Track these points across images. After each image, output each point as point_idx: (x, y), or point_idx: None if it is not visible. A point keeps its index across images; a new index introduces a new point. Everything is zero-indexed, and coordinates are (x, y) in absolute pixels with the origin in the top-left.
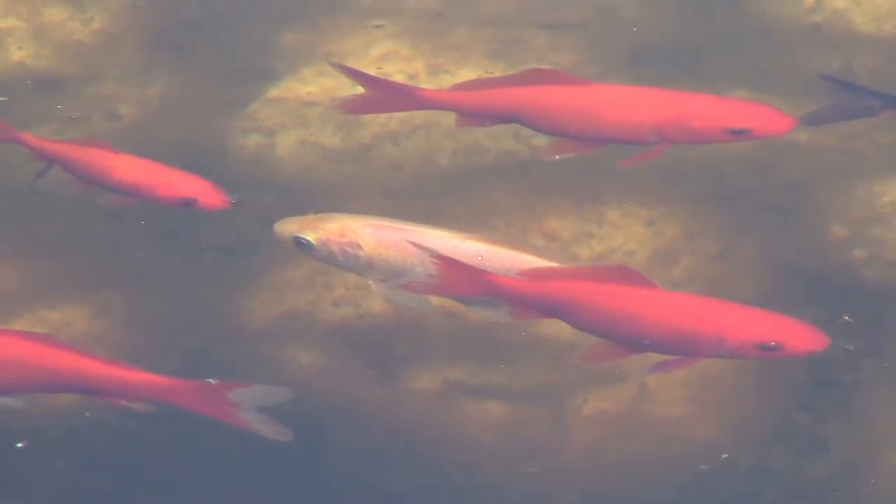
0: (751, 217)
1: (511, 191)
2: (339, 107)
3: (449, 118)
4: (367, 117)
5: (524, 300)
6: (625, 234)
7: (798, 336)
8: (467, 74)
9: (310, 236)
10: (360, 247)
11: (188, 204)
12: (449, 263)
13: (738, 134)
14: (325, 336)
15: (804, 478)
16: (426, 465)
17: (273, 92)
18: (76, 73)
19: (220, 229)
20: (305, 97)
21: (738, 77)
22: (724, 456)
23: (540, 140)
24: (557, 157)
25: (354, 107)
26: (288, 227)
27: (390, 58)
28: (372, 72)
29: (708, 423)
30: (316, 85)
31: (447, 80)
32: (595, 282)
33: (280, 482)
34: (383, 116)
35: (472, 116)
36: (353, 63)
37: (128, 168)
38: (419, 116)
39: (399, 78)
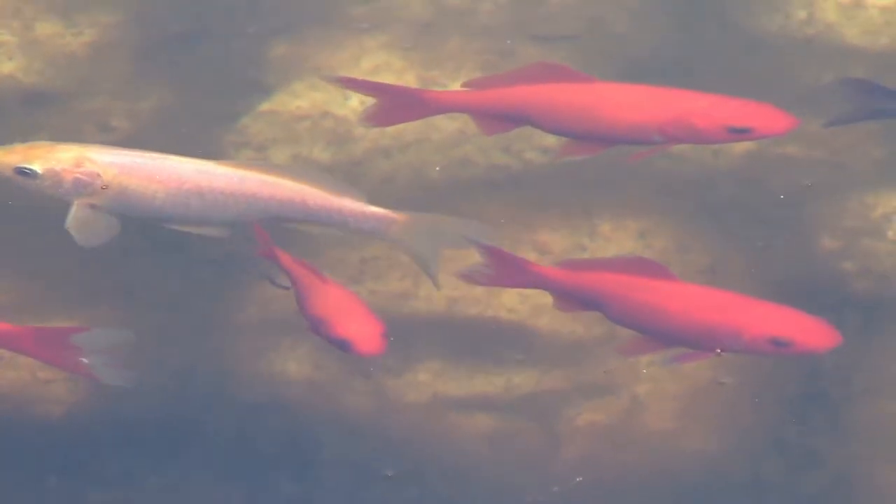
0: (742, 230)
1: (502, 204)
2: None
3: (440, 134)
4: (358, 132)
5: (564, 291)
6: (616, 246)
7: (809, 333)
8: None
9: (35, 165)
10: (98, 176)
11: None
12: (497, 255)
13: (740, 133)
14: (314, 349)
15: (796, 492)
16: (416, 477)
17: (264, 106)
18: (67, 87)
19: (208, 244)
20: (296, 111)
21: (729, 90)
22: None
23: (531, 154)
24: (571, 158)
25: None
26: (8, 158)
27: (382, 69)
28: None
29: (700, 436)
30: (307, 99)
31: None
32: (627, 274)
33: (269, 494)
34: (374, 132)
35: (485, 118)
36: (348, 74)
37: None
38: (410, 132)
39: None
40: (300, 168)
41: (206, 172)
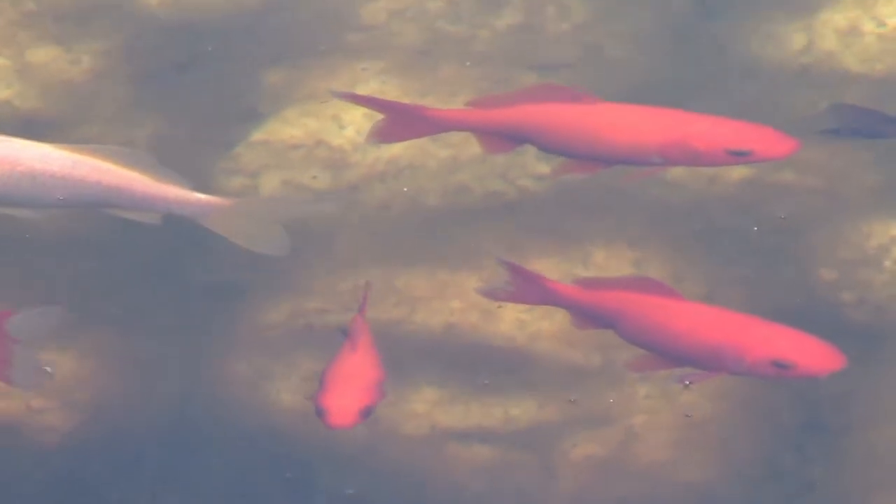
0: (738, 259)
1: (498, 231)
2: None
3: (435, 160)
4: (354, 158)
5: (579, 308)
6: (611, 274)
7: (812, 356)
8: None
9: None
10: None
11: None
12: (518, 272)
13: (740, 155)
14: (307, 379)
15: None
16: None
17: (257, 134)
18: (63, 114)
19: (205, 272)
20: (289, 139)
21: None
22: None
23: (527, 181)
24: (568, 177)
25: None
26: None
27: (378, 96)
28: (360, 113)
29: (696, 466)
30: (300, 127)
31: None
32: (639, 293)
33: None
34: (370, 157)
35: (488, 136)
36: (339, 103)
37: None
38: (405, 157)
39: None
40: (130, 153)
41: (42, 156)
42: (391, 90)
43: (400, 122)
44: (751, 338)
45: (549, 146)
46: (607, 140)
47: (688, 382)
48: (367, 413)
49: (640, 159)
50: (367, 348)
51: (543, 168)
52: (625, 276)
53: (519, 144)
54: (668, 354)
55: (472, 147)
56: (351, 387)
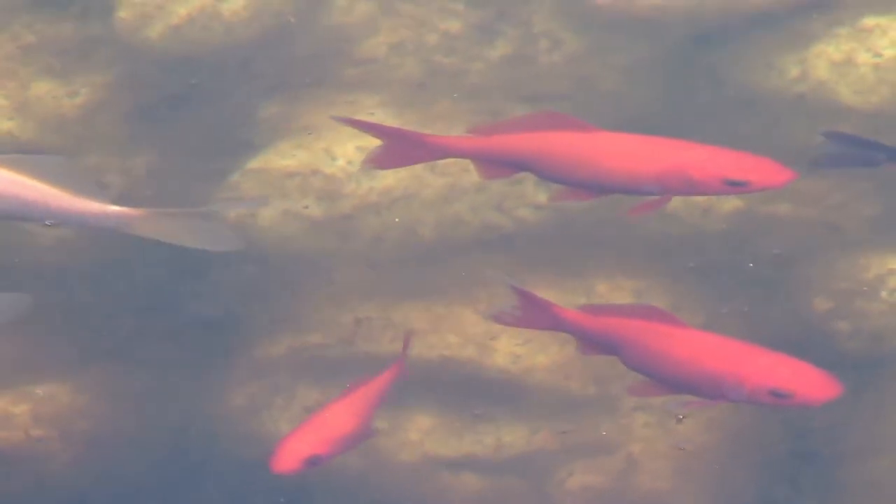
0: (734, 290)
1: (495, 263)
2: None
3: (430, 189)
4: (348, 188)
5: (584, 335)
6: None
7: (809, 385)
8: None
9: None
10: None
11: None
12: (526, 297)
13: (737, 185)
14: (304, 409)
15: None
16: None
17: (254, 164)
18: (62, 145)
19: (202, 304)
20: (285, 169)
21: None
22: None
23: (524, 212)
24: (565, 205)
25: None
26: None
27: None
28: (352, 146)
29: (692, 496)
30: (295, 158)
31: None
32: (642, 320)
33: None
34: (364, 188)
35: (485, 163)
36: (334, 135)
37: None
38: (399, 188)
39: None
40: (50, 161)
41: None
42: (388, 122)
43: (398, 148)
44: (749, 366)
45: (546, 173)
46: (604, 168)
47: (681, 417)
48: (313, 462)
49: (637, 188)
50: (365, 397)
51: (541, 198)
52: (630, 304)
53: (517, 171)
54: (669, 382)
55: (468, 176)
56: (311, 434)
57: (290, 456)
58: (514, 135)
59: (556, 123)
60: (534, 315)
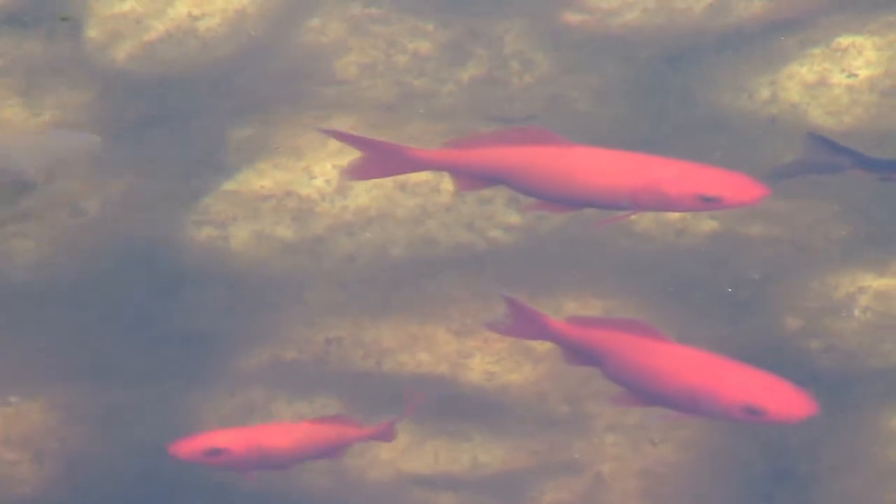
0: (705, 309)
1: (466, 282)
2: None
3: (401, 210)
4: (321, 208)
5: (570, 345)
6: None
7: (784, 402)
8: None
9: None
10: None
11: None
12: (517, 307)
13: (710, 201)
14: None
15: None
16: None
17: (227, 185)
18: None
19: (178, 320)
20: (259, 190)
21: None
22: None
23: (495, 232)
24: (541, 213)
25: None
26: None
27: (346, 150)
28: (328, 165)
29: None
30: (269, 178)
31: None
32: (624, 333)
33: None
34: (337, 207)
35: (463, 176)
36: (310, 155)
37: None
38: (372, 208)
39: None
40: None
41: None
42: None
43: (377, 159)
44: (725, 382)
45: (522, 187)
46: (579, 183)
47: (657, 441)
48: (211, 454)
49: (611, 203)
50: (321, 434)
51: (512, 218)
52: (616, 317)
53: (493, 185)
54: (647, 395)
55: (439, 196)
56: (232, 434)
57: (193, 444)
58: (490, 148)
59: (533, 138)
60: (524, 325)
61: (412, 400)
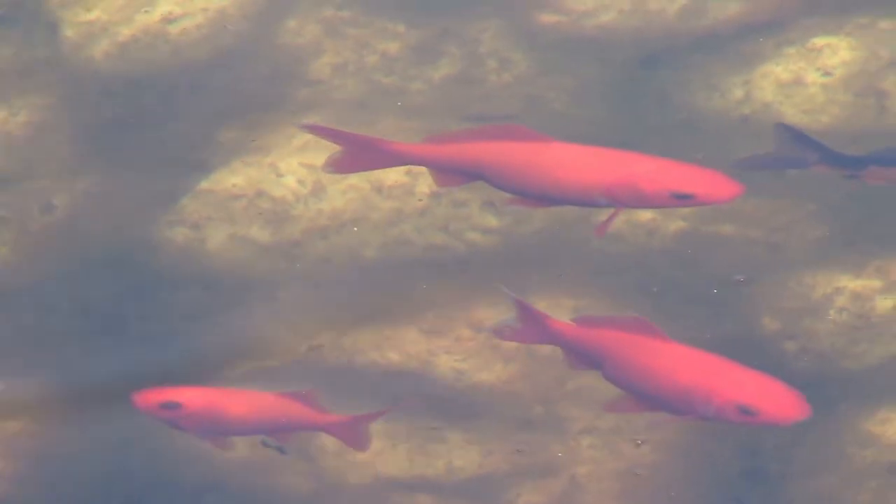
0: (680, 310)
1: (440, 283)
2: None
3: (377, 213)
4: (297, 210)
5: (573, 347)
6: None
7: (778, 404)
8: (395, 168)
9: None
10: None
11: None
12: (525, 310)
13: (683, 198)
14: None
15: None
16: None
17: (201, 185)
18: (7, 167)
19: (150, 324)
20: (232, 190)
21: None
22: None
23: (470, 234)
24: (518, 207)
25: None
26: None
27: (321, 149)
28: (295, 162)
29: None
30: (243, 176)
31: (374, 173)
32: (623, 333)
33: None
34: (312, 210)
35: (441, 170)
36: (278, 152)
37: None
38: (349, 211)
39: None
40: None
41: None
42: (329, 143)
43: (357, 153)
44: (720, 382)
45: (499, 183)
46: (555, 179)
47: (640, 441)
48: (168, 407)
49: (587, 199)
50: (284, 409)
51: (488, 221)
52: (617, 316)
53: (472, 180)
54: (643, 396)
55: (413, 200)
56: (192, 391)
57: (153, 397)
58: (469, 144)
59: (511, 134)
60: (530, 328)
61: (393, 405)
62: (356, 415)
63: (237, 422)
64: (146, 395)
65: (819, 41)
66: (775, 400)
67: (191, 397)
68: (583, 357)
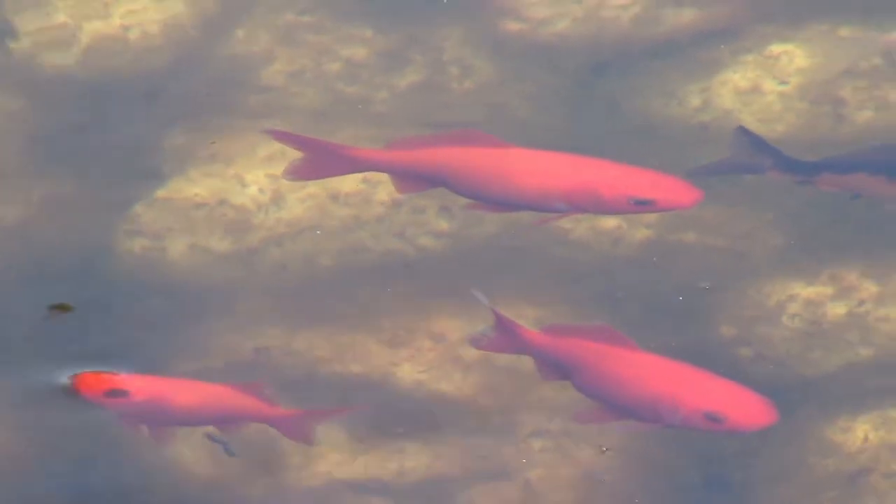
0: (641, 318)
1: (398, 291)
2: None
3: (333, 220)
4: (256, 220)
5: (546, 357)
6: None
7: (745, 410)
8: (352, 176)
9: None
10: None
11: None
12: (499, 319)
13: (643, 204)
14: (207, 438)
15: None
16: None
17: (160, 194)
18: None
19: (100, 332)
20: (192, 198)
21: None
22: None
23: (426, 240)
24: (479, 211)
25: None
26: None
27: (277, 158)
28: (261, 173)
29: None
30: (203, 186)
31: (331, 182)
32: (591, 343)
33: None
34: (271, 219)
35: (402, 177)
36: (242, 163)
37: None
38: (305, 219)
39: (286, 181)
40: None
41: None
42: (291, 151)
43: (318, 159)
44: (687, 389)
45: (460, 189)
46: (515, 184)
47: (605, 449)
48: (113, 395)
49: (546, 204)
50: (232, 400)
51: (442, 226)
52: (584, 325)
53: (432, 186)
54: (612, 405)
55: (372, 208)
56: (141, 378)
57: (95, 382)
58: (430, 149)
59: (472, 140)
60: (505, 338)
61: (347, 407)
62: (305, 410)
63: (184, 412)
64: (90, 382)
65: (776, 48)
66: (742, 406)
67: (138, 385)
68: (554, 367)
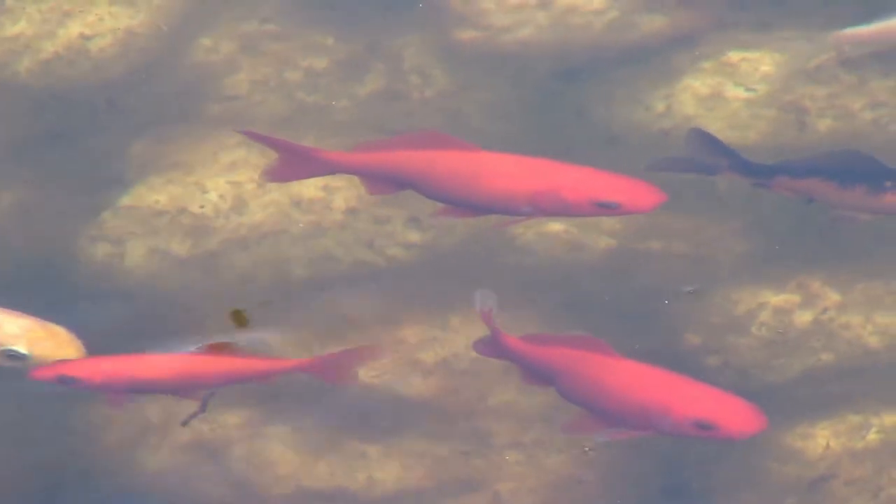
0: (604, 325)
1: (366, 301)
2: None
3: (296, 227)
4: (216, 224)
5: (527, 364)
6: (465, 338)
7: (734, 418)
8: (313, 182)
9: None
10: None
11: None
12: (487, 322)
13: (607, 207)
14: (177, 446)
15: None
16: None
17: (123, 201)
18: None
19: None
20: (154, 205)
21: None
22: None
23: (394, 250)
24: (447, 218)
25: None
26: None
27: (240, 165)
28: (222, 180)
29: None
30: (165, 193)
31: (294, 188)
32: (576, 350)
33: None
34: (232, 223)
35: (371, 179)
36: (202, 170)
37: None
38: (268, 224)
39: (249, 186)
40: None
41: None
42: (254, 158)
43: (292, 162)
44: (676, 397)
45: (427, 191)
46: (481, 187)
47: (588, 448)
48: (64, 381)
49: (512, 207)
50: (204, 362)
51: (412, 236)
52: (566, 334)
53: (401, 189)
54: (600, 413)
55: (333, 214)
56: (95, 360)
57: (51, 368)
58: (398, 152)
59: (440, 143)
60: (490, 343)
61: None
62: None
63: (167, 383)
64: (46, 369)
65: (734, 56)
66: (731, 413)
67: (98, 370)
68: (537, 374)
